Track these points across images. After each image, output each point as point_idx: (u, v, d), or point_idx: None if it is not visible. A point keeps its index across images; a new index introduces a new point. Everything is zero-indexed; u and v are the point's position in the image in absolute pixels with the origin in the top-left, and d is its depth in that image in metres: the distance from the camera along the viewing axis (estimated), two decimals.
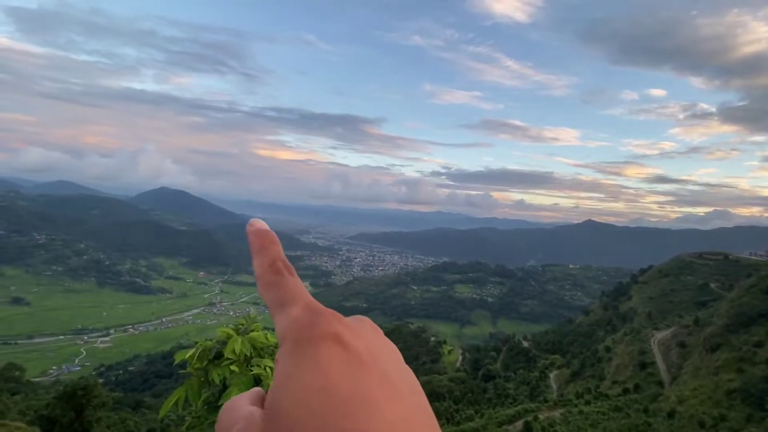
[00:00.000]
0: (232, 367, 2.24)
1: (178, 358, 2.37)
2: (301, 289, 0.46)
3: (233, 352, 2.25)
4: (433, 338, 79.21)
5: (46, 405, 21.30)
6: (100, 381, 34.41)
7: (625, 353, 45.86)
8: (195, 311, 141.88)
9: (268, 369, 2.25)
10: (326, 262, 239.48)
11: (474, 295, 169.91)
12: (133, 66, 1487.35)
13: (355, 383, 0.45)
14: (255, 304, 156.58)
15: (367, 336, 0.46)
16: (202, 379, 2.31)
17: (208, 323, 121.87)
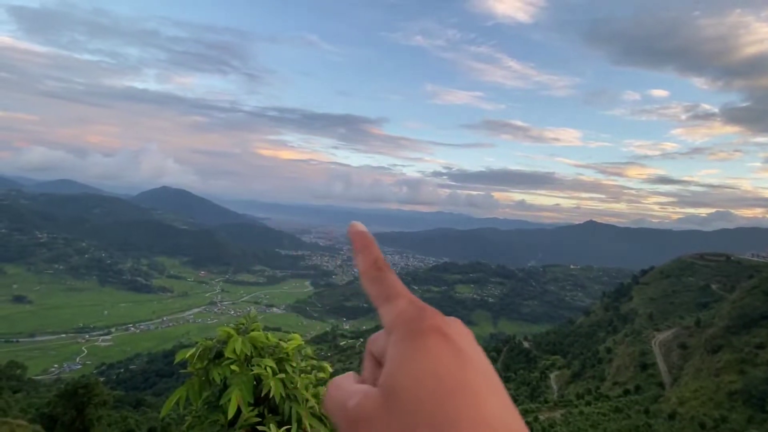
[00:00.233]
0: (233, 367, 2.24)
1: (179, 357, 2.38)
2: (402, 285, 0.52)
3: (234, 351, 2.26)
4: None
5: (47, 403, 21.38)
6: (101, 379, 34.53)
7: (625, 354, 45.78)
8: (196, 310, 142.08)
9: (268, 368, 2.26)
10: (327, 262, 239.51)
11: (474, 296, 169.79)
12: (136, 66, 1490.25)
13: (463, 373, 0.51)
14: (255, 303, 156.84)
15: (463, 334, 0.52)
16: (203, 378, 2.32)
17: (209, 322, 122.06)
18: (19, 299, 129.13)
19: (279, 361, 2.41)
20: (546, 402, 36.36)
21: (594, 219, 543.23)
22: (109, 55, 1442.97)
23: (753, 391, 27.83)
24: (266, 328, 2.68)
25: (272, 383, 2.20)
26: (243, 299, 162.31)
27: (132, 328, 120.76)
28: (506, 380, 52.29)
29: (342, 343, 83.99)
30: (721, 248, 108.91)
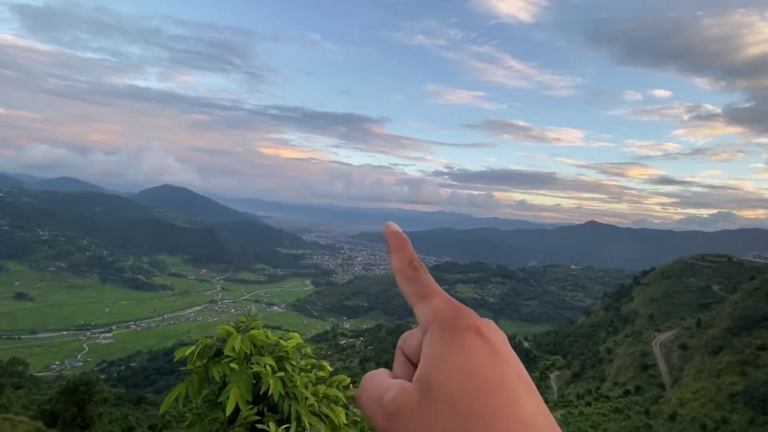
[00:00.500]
0: (232, 365, 2.24)
1: (179, 354, 2.38)
2: (437, 285, 0.52)
3: (233, 349, 2.26)
4: None
5: (48, 400, 21.45)
6: (102, 377, 34.65)
7: (626, 355, 45.75)
8: (196, 308, 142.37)
9: (267, 367, 2.26)
10: (328, 261, 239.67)
11: (475, 295, 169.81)
12: (138, 64, 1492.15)
13: (499, 372, 0.52)
14: (256, 301, 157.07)
15: (497, 335, 0.52)
16: (203, 376, 2.32)
17: (210, 321, 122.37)
18: (20, 296, 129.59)
19: (278, 360, 2.41)
20: (546, 402, 36.19)
21: (595, 219, 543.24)
22: (112, 53, 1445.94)
23: (754, 392, 27.77)
24: (266, 327, 2.68)
25: (271, 381, 2.19)
26: (243, 298, 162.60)
27: (133, 326, 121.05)
28: None
29: (342, 342, 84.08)
30: (722, 249, 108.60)
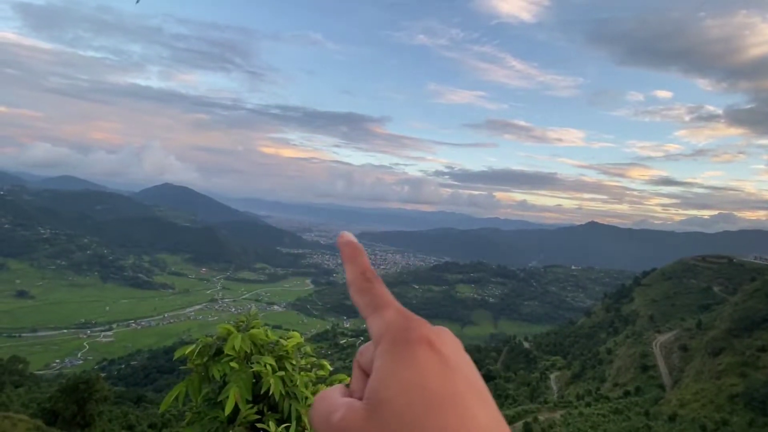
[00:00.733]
0: (232, 364, 2.24)
1: (179, 353, 2.38)
2: (390, 295, 0.51)
3: (233, 348, 2.26)
4: None
5: (48, 398, 21.48)
6: (102, 375, 34.64)
7: (626, 355, 45.73)
8: (197, 307, 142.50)
9: (268, 366, 2.26)
10: (328, 261, 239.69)
11: (475, 296, 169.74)
12: (140, 63, 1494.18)
13: (450, 384, 0.50)
14: (256, 301, 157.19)
15: (450, 344, 0.51)
16: (203, 375, 2.32)
17: (210, 320, 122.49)
18: (21, 294, 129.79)
19: (279, 359, 2.41)
20: (546, 402, 36.33)
21: (596, 220, 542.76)
22: (113, 52, 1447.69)
23: (754, 394, 27.75)
24: (266, 326, 2.68)
25: (271, 381, 2.19)
26: (244, 297, 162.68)
27: (133, 325, 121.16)
28: (506, 380, 52.27)
29: (342, 342, 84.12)
30: (723, 250, 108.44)
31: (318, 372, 2.64)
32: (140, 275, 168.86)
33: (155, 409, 31.87)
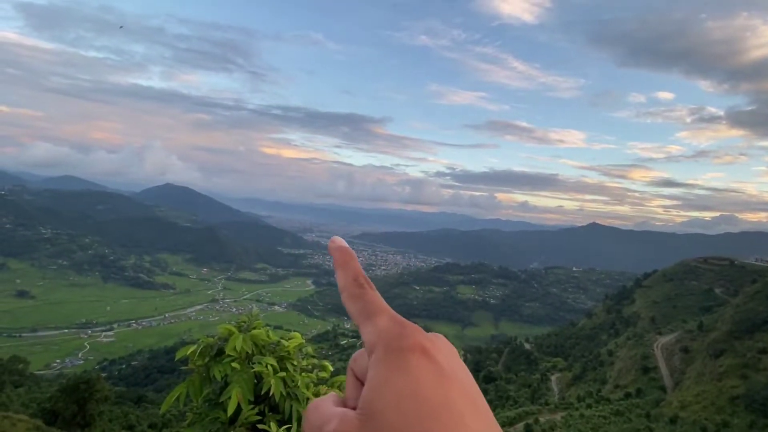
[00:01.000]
0: (234, 364, 2.24)
1: (180, 354, 2.37)
2: (383, 301, 0.51)
3: (234, 349, 2.25)
4: None
5: (49, 398, 21.49)
6: (103, 375, 34.66)
7: (627, 357, 45.62)
8: (198, 307, 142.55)
9: (269, 367, 2.25)
10: (329, 261, 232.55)
11: (476, 297, 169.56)
12: (141, 63, 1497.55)
13: (443, 393, 0.50)
14: (257, 301, 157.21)
15: (445, 351, 0.50)
16: (204, 375, 2.31)
17: (211, 320, 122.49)
18: (22, 294, 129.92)
19: (280, 360, 2.40)
20: (547, 404, 36.24)
21: (597, 221, 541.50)
22: (115, 52, 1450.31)
23: (755, 396, 27.67)
24: (267, 326, 2.67)
25: (273, 381, 2.19)
26: (245, 297, 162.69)
27: (134, 325, 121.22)
28: (507, 382, 52.19)
29: (343, 342, 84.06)
30: (725, 252, 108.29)
31: (319, 373, 2.63)
32: (141, 275, 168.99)
33: (156, 410, 31.87)
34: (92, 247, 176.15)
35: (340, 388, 2.60)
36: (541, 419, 30.57)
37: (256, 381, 2.25)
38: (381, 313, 0.50)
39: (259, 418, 2.20)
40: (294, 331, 2.99)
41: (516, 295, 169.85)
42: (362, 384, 0.50)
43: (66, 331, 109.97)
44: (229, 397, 2.11)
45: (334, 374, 2.69)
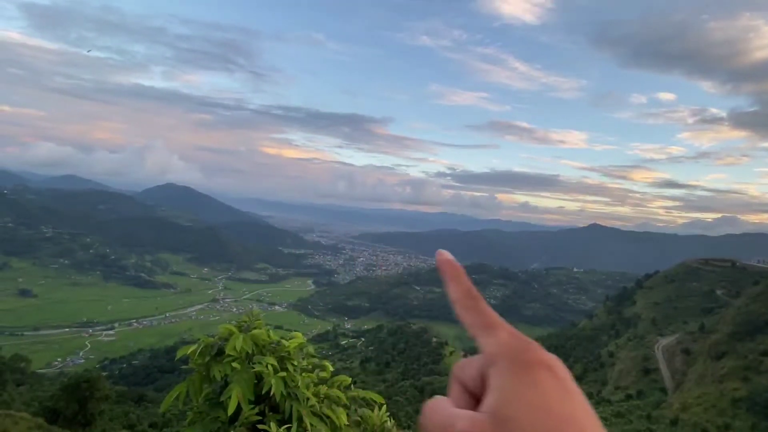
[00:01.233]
0: (234, 364, 2.24)
1: (180, 353, 2.38)
2: (497, 315, 0.55)
3: (235, 349, 2.25)
4: (435, 339, 78.99)
5: (50, 397, 21.54)
6: (104, 374, 34.74)
7: (628, 358, 45.55)
8: (198, 307, 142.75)
9: (269, 366, 2.25)
10: (329, 261, 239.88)
11: None
12: (143, 63, 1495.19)
13: (569, 408, 0.53)
14: (258, 301, 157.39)
15: (565, 370, 0.53)
16: (204, 375, 2.32)
17: (211, 319, 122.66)
18: (24, 293, 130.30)
19: (280, 359, 2.40)
20: None
21: (598, 222, 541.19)
22: (117, 52, 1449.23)
23: (757, 398, 27.61)
24: (268, 326, 2.68)
25: (273, 381, 2.19)
26: (245, 297, 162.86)
27: (135, 324, 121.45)
28: None
29: (343, 342, 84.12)
30: (726, 254, 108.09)
31: (320, 373, 2.63)
32: (142, 275, 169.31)
33: (156, 409, 31.92)
34: (94, 247, 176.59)
35: (340, 388, 2.60)
36: None
37: (256, 381, 2.25)
38: (500, 327, 0.54)
39: (259, 418, 2.20)
40: (294, 331, 2.99)
41: (516, 296, 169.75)
42: (469, 392, 0.52)
43: (67, 330, 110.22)
44: (230, 397, 2.11)
45: (334, 374, 2.69)
